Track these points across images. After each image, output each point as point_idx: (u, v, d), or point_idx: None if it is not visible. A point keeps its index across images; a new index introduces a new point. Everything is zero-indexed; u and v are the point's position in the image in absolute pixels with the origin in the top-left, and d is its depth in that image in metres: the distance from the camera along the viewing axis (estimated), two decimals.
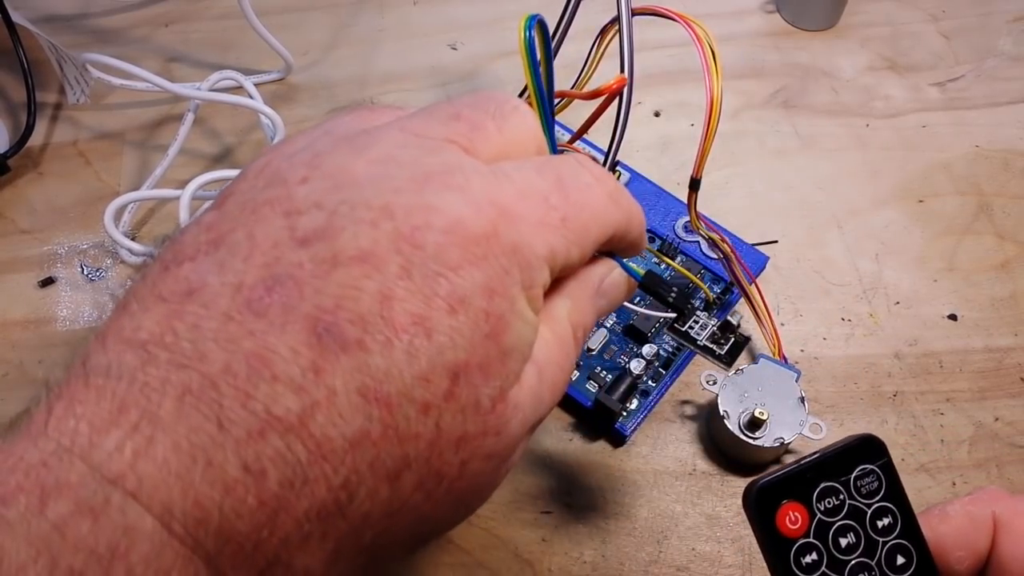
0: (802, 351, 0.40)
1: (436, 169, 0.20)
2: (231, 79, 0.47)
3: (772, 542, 0.23)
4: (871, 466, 0.23)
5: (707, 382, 0.36)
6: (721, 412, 0.36)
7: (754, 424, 0.35)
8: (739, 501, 0.37)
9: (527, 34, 0.25)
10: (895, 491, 0.23)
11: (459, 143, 0.21)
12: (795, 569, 0.22)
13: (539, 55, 0.24)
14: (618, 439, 0.38)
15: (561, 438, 0.38)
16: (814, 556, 0.22)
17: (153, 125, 0.48)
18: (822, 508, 0.23)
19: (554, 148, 0.26)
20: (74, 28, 0.52)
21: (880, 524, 0.23)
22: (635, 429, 0.38)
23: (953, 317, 0.41)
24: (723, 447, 0.38)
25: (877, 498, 0.23)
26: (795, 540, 0.22)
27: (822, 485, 0.23)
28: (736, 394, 0.36)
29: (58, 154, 0.47)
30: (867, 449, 0.23)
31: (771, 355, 0.38)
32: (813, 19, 0.51)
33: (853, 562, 0.23)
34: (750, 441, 0.35)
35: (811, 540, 0.22)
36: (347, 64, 0.50)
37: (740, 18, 0.52)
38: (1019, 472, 0.37)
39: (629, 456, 0.38)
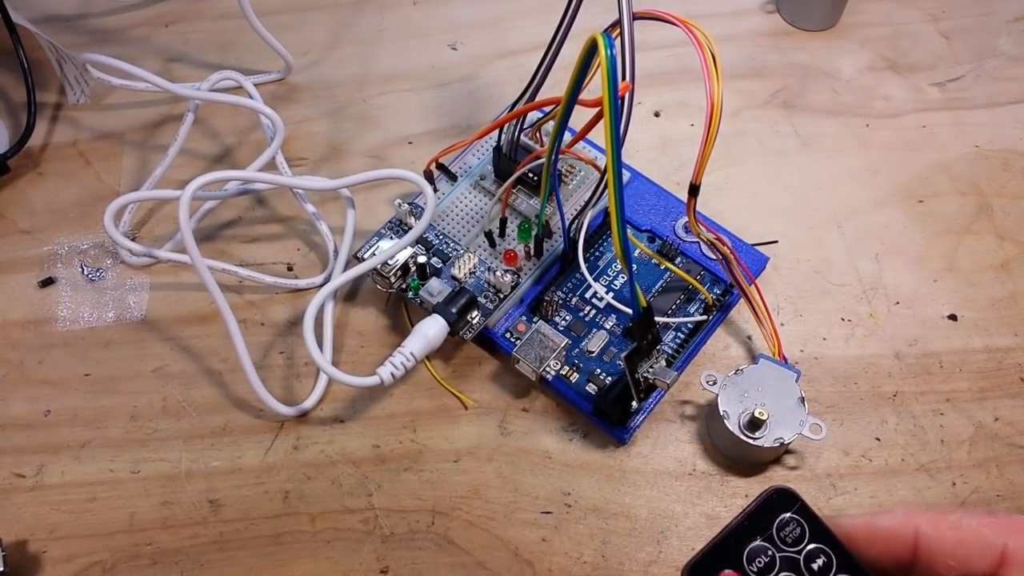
0: (802, 351, 0.40)
1: None
2: (231, 79, 0.47)
3: None
4: (788, 515, 0.24)
5: (707, 382, 0.36)
6: (721, 412, 0.36)
7: (754, 424, 0.35)
8: (739, 501, 0.37)
9: (610, 52, 0.26)
10: (819, 531, 0.24)
11: None
12: None
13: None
14: (618, 439, 0.38)
15: (561, 438, 0.38)
16: None
17: (153, 125, 0.48)
18: (755, 569, 0.24)
19: (619, 154, 0.27)
20: (74, 28, 0.52)
21: (815, 566, 0.24)
22: (635, 429, 0.38)
23: (953, 317, 0.41)
24: (723, 447, 0.38)
25: (804, 543, 0.24)
26: None
27: (749, 547, 0.24)
28: (736, 394, 0.36)
29: (58, 154, 0.47)
30: (780, 501, 0.24)
31: (771, 355, 0.38)
32: (813, 19, 0.51)
33: None
34: (750, 441, 0.35)
35: None
36: (347, 64, 0.50)
37: (740, 18, 0.52)
38: (1019, 472, 0.37)
39: (629, 456, 0.38)
